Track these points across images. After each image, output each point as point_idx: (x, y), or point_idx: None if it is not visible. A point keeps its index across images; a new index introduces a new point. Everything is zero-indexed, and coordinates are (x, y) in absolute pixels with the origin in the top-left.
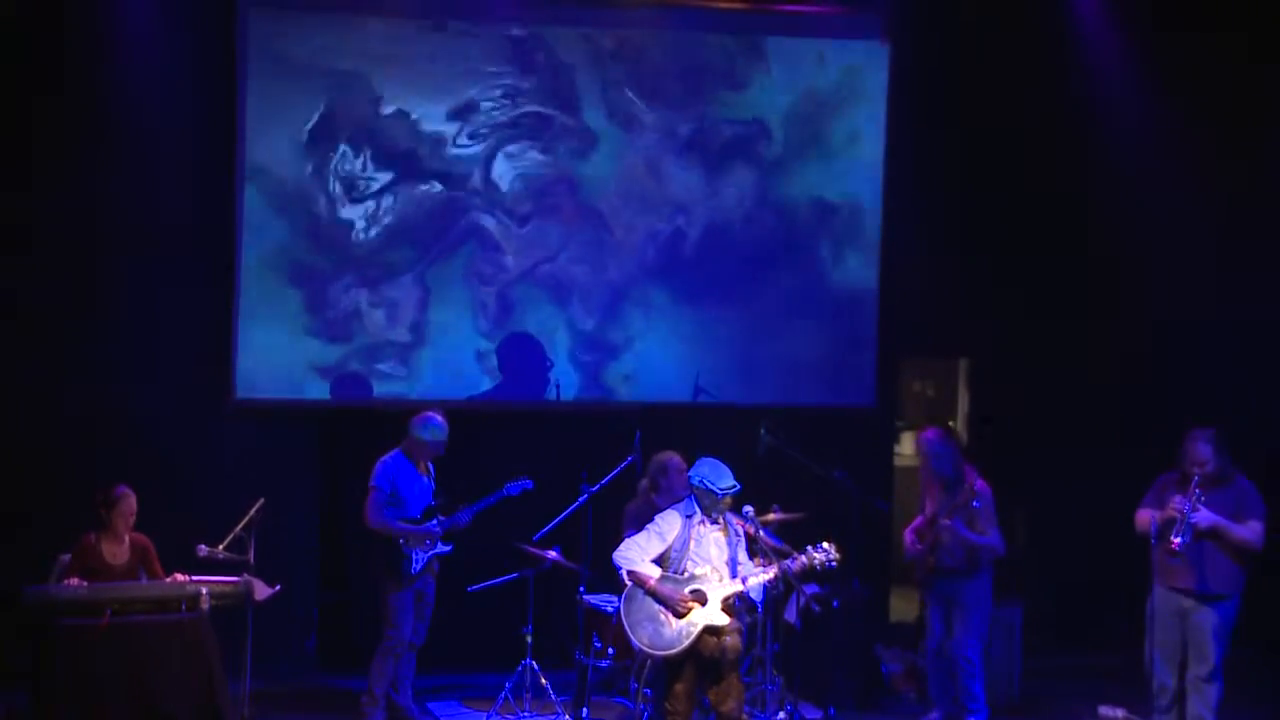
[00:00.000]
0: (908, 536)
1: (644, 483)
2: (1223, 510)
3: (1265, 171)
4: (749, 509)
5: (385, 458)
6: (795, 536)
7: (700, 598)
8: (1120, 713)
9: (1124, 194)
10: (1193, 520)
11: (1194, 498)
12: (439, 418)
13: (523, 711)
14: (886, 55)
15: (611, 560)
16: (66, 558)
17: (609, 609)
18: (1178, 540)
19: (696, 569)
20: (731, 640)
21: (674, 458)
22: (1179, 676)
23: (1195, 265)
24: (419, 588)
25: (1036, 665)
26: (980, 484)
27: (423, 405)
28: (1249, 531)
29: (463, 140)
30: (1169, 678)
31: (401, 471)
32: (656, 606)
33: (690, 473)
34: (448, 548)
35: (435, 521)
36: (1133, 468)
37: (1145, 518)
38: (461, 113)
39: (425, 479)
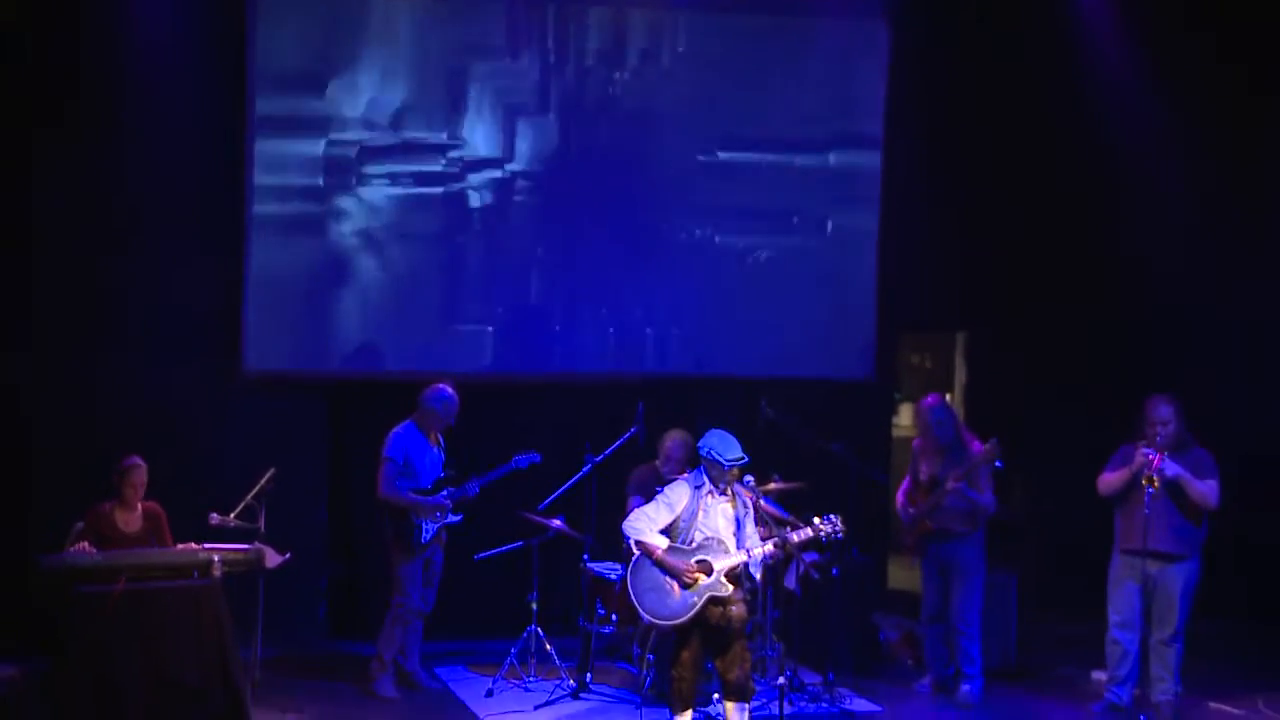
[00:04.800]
0: (900, 500)
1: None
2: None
3: (1264, 147)
4: (749, 479)
5: (397, 429)
6: (794, 506)
7: (706, 568)
8: None
9: (1122, 169)
10: (1160, 466)
11: (1159, 449)
12: (450, 389)
13: (528, 677)
14: (886, 33)
15: (620, 529)
16: (80, 525)
17: (612, 576)
18: (1152, 489)
19: (703, 539)
20: (737, 610)
21: (675, 443)
22: (1141, 641)
23: (1192, 240)
24: (427, 556)
25: (1032, 632)
26: (978, 445)
27: (432, 377)
28: (1206, 487)
29: (477, 109)
30: (1131, 643)
31: (413, 442)
32: (663, 576)
33: (699, 444)
34: (457, 518)
35: (445, 493)
36: (1127, 437)
37: (1110, 478)
38: (476, 84)
39: (436, 450)
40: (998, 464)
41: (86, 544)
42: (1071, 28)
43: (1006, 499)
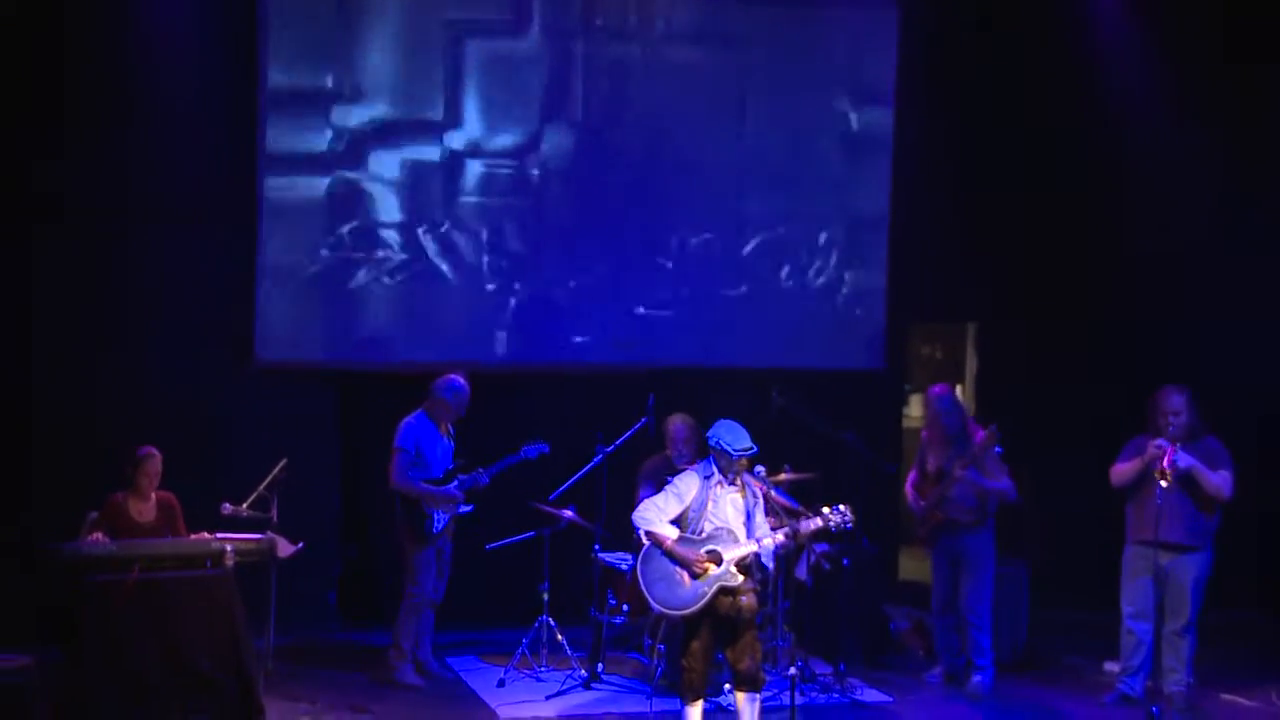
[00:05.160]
0: (909, 492)
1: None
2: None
3: (1273, 139)
4: (760, 469)
5: (409, 419)
6: (805, 497)
7: (715, 558)
8: None
9: (1132, 160)
10: (1174, 459)
11: (1171, 440)
12: (461, 380)
13: (539, 666)
14: (896, 20)
15: (630, 520)
16: (94, 515)
17: (623, 567)
18: (1164, 484)
19: (713, 529)
20: (747, 599)
21: (678, 426)
22: (1154, 632)
23: (1201, 232)
24: (439, 546)
25: (1042, 621)
26: (983, 433)
27: (442, 367)
28: (1220, 478)
29: (491, 95)
30: (1145, 634)
31: (425, 433)
32: (673, 567)
33: (708, 434)
34: (469, 508)
35: (456, 483)
36: (1137, 428)
37: (1123, 469)
38: (486, 66)
39: (446, 440)
40: (997, 449)
41: (100, 534)
42: (1082, 16)
43: (1018, 489)
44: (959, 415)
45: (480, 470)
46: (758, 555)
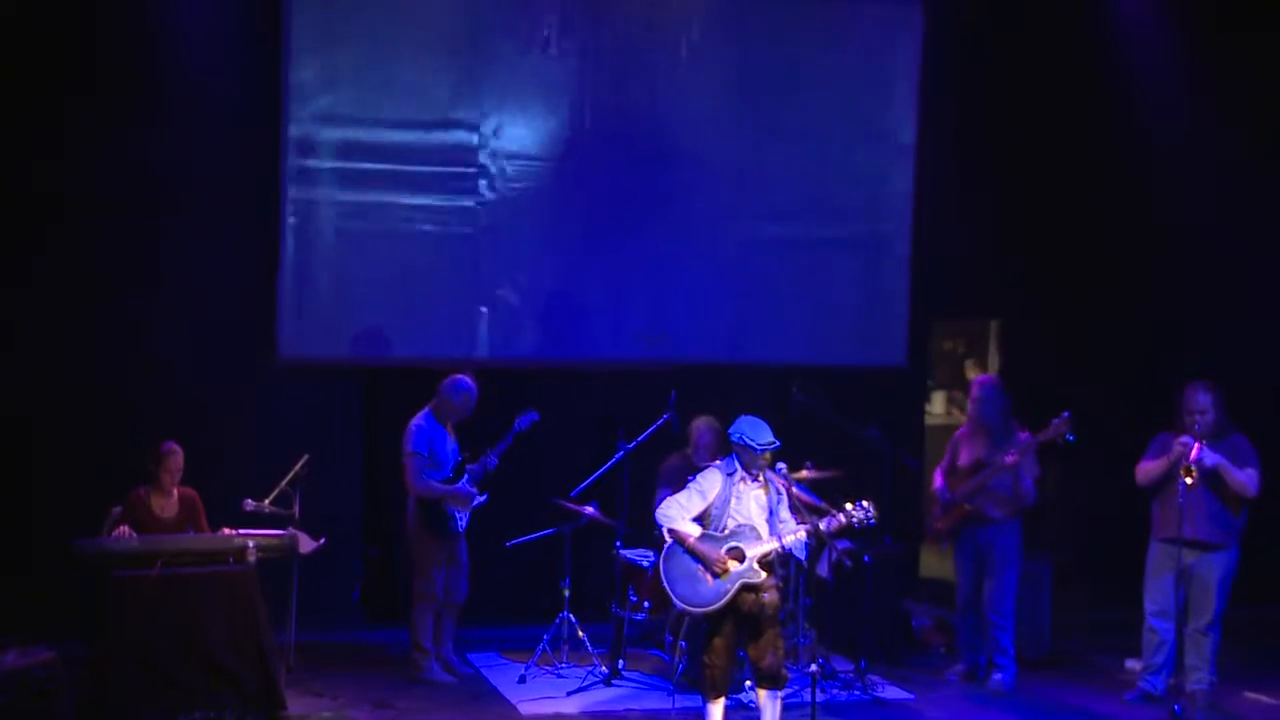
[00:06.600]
0: (938, 480)
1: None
2: None
3: None
4: (782, 466)
5: (418, 420)
6: (828, 494)
7: (738, 555)
8: None
9: (1155, 156)
10: (1199, 457)
11: (1197, 437)
12: (469, 380)
13: (560, 663)
14: (920, 16)
15: (653, 517)
16: (118, 510)
17: (644, 564)
18: (1189, 480)
19: (736, 526)
20: (770, 596)
21: (702, 430)
22: (1177, 630)
23: (1227, 225)
24: (452, 544)
25: (1066, 619)
26: (1024, 435)
27: (464, 363)
28: (1246, 476)
29: (504, 94)
30: (1167, 632)
31: (435, 433)
32: (695, 564)
33: (730, 430)
34: (483, 498)
35: (467, 475)
36: (1161, 425)
37: (1148, 467)
38: (501, 68)
39: (452, 439)
40: (1069, 437)
41: (126, 528)
42: (1109, 13)
43: (1042, 486)
44: (996, 406)
45: (489, 453)
46: (781, 551)
